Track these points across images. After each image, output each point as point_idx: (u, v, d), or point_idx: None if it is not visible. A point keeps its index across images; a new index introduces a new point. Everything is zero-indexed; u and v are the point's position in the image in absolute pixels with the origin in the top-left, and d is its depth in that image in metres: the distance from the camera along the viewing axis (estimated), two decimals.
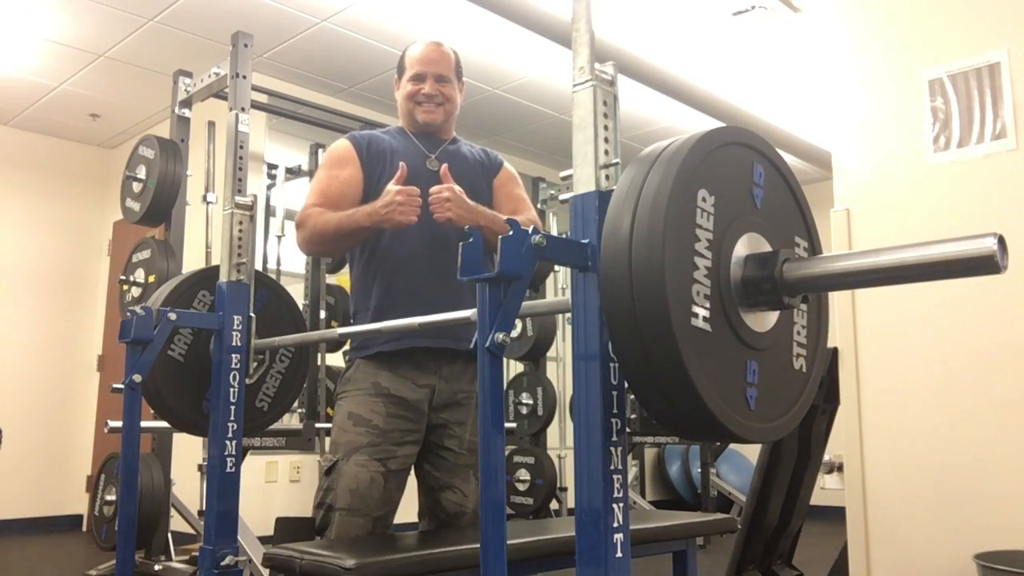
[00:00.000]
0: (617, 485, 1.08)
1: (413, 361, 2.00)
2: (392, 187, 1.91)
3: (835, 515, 2.66)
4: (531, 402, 5.02)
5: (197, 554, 2.17)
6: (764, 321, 1.08)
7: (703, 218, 1.02)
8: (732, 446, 6.38)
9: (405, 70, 2.16)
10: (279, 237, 4.94)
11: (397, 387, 1.98)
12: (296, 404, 4.63)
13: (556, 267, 5.26)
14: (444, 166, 1.99)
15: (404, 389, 1.98)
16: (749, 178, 1.12)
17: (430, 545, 1.71)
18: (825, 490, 2.74)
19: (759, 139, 1.13)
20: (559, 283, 5.70)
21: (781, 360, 1.11)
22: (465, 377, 2.06)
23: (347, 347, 5.07)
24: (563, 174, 1.19)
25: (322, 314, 4.65)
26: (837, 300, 2.36)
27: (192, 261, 4.00)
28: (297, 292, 4.63)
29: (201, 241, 4.27)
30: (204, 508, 3.27)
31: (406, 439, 1.97)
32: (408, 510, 2.06)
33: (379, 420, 1.96)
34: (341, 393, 2.04)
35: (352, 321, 2.13)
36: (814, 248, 1.19)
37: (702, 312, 0.99)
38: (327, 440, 4.51)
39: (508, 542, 1.12)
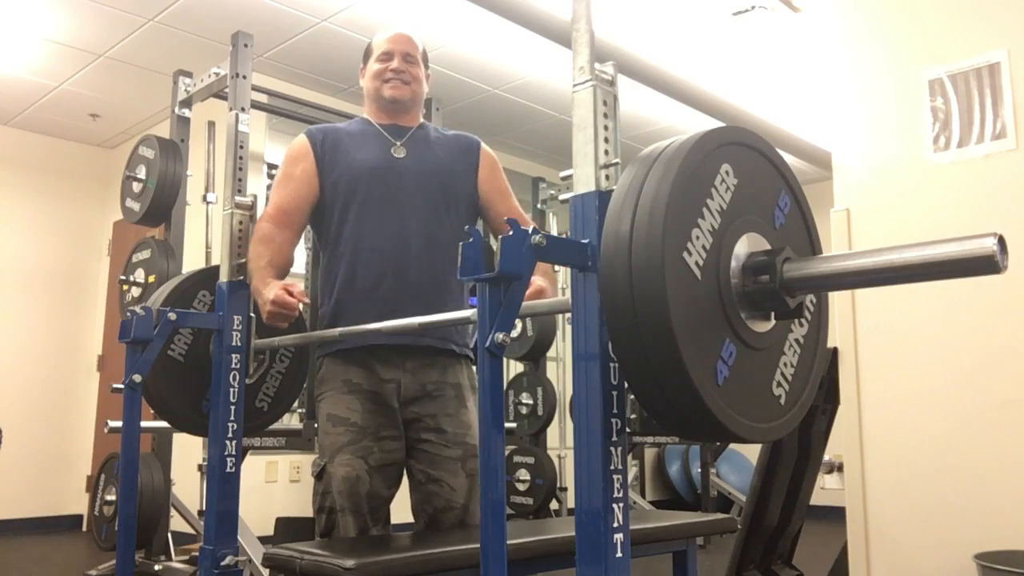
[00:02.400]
0: (617, 485, 1.08)
1: (376, 356, 1.96)
2: (280, 291, 1.83)
3: (835, 515, 2.66)
4: (531, 402, 5.02)
5: (197, 554, 2.17)
6: (760, 325, 1.08)
7: (722, 187, 1.03)
8: (732, 446, 6.37)
9: (372, 54, 2.13)
10: None
11: (368, 382, 1.96)
12: (296, 404, 4.62)
13: (556, 267, 5.26)
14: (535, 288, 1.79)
15: (373, 383, 1.96)
16: (775, 196, 1.14)
17: (430, 545, 1.71)
18: (825, 490, 2.74)
19: (755, 136, 1.13)
20: (559, 283, 5.70)
21: (761, 371, 1.10)
22: (433, 370, 2.00)
23: None
24: (563, 174, 1.20)
25: None
26: (837, 300, 2.36)
27: (192, 261, 4.00)
28: None
29: (201, 241, 4.27)
30: (204, 508, 3.27)
31: (384, 433, 1.94)
32: (407, 510, 2.05)
33: (357, 417, 1.93)
34: (318, 396, 2.01)
35: (318, 314, 2.09)
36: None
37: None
38: None
39: (508, 542, 1.12)
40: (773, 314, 1.09)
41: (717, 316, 1.02)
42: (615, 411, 1.09)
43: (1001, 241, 0.89)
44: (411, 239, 1.97)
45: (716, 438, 1.05)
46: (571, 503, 1.65)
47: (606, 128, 1.17)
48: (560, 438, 5.42)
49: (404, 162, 2.03)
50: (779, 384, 1.12)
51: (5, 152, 5.63)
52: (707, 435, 1.05)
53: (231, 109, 2.19)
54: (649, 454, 6.66)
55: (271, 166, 5.16)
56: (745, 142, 1.11)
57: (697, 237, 1.00)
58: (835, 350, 2.39)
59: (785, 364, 1.13)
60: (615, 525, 1.07)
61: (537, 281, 1.79)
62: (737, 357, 1.03)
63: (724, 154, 1.06)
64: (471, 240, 1.10)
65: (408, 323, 1.67)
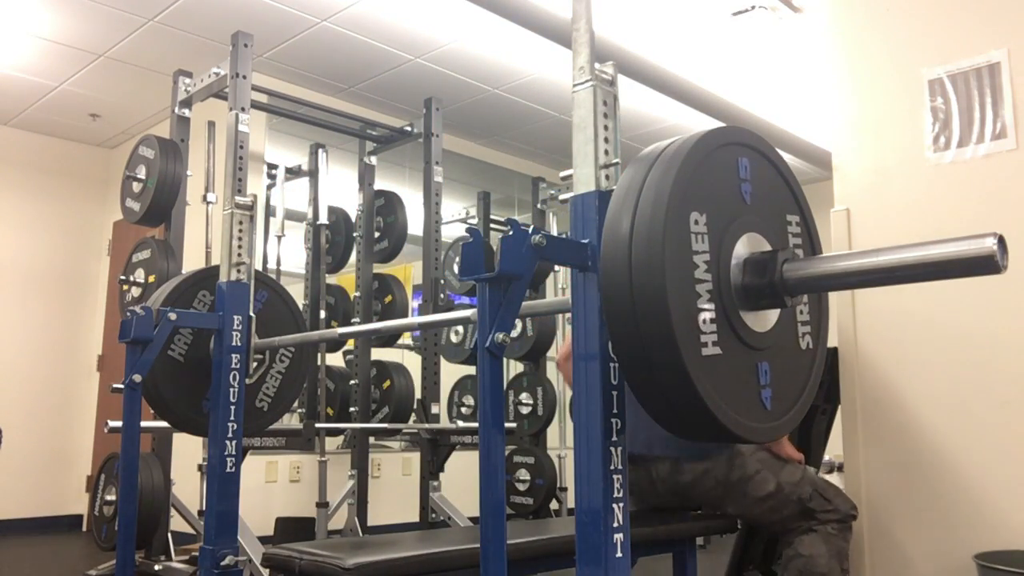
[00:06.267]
0: (617, 485, 1.08)
1: None
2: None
3: None
4: (531, 402, 5.01)
5: (197, 554, 2.17)
6: (766, 318, 1.08)
7: (699, 242, 1.03)
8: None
9: None
10: (279, 237, 4.93)
11: None
12: (296, 404, 4.63)
13: (556, 267, 5.26)
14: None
15: None
16: (735, 177, 1.12)
17: (430, 545, 1.71)
18: None
19: (755, 137, 1.13)
20: (559, 283, 5.70)
21: (789, 346, 1.12)
22: None
23: (348, 347, 5.08)
24: (563, 174, 1.20)
25: (322, 314, 4.65)
26: (837, 300, 2.36)
27: (192, 261, 4.00)
28: (297, 292, 4.62)
29: (201, 241, 4.27)
30: (204, 508, 3.27)
31: None
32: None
33: None
34: None
35: None
36: (806, 221, 1.21)
37: (703, 312, 0.99)
38: (327, 440, 4.52)
39: (508, 542, 1.12)
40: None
41: (739, 352, 1.03)
42: (615, 411, 1.09)
43: (1001, 241, 0.89)
44: None
45: (719, 438, 1.05)
46: (571, 503, 1.65)
47: (606, 128, 1.17)
48: (560, 438, 5.42)
49: None
50: (804, 335, 1.16)
51: (5, 152, 5.63)
52: (710, 436, 1.06)
53: (231, 109, 2.20)
54: None
55: (271, 166, 5.16)
56: (744, 142, 1.11)
57: (697, 290, 1.01)
58: (835, 350, 2.39)
59: (801, 311, 1.17)
60: (615, 525, 1.07)
61: None
62: (772, 368, 1.06)
63: (688, 202, 1.03)
64: (471, 240, 1.10)
65: (408, 322, 1.67)
